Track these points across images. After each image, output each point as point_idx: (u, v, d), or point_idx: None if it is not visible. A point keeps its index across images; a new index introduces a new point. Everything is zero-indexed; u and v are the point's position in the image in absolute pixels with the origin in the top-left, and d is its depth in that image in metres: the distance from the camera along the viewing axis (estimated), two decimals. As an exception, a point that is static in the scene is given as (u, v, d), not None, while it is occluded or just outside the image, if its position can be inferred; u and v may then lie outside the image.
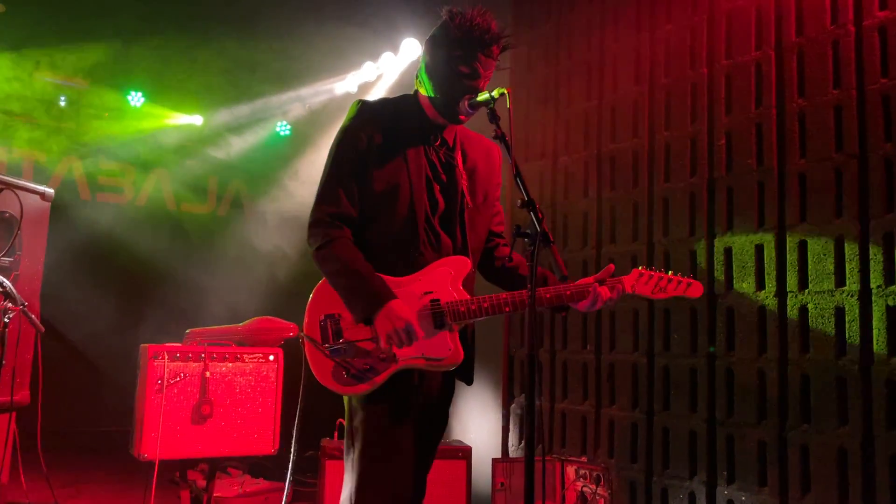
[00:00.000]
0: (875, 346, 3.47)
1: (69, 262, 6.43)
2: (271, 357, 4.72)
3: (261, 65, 6.92)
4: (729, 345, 4.06)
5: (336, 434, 4.31)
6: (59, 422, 5.43)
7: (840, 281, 3.62)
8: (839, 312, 3.60)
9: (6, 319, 3.58)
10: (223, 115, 7.59)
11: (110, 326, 6.69)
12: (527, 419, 4.59)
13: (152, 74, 7.10)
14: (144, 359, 4.34)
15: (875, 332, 3.47)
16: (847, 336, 3.56)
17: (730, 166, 4.16)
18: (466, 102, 2.42)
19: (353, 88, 7.06)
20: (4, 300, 3.63)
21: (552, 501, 4.15)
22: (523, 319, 5.16)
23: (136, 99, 7.26)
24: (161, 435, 4.22)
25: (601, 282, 2.47)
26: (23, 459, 4.25)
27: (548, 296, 2.44)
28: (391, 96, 2.66)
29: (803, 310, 3.74)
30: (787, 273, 3.82)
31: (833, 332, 3.60)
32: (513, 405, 5.33)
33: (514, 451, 5.24)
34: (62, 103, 7.04)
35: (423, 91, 2.54)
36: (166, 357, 4.32)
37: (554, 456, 4.35)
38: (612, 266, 2.52)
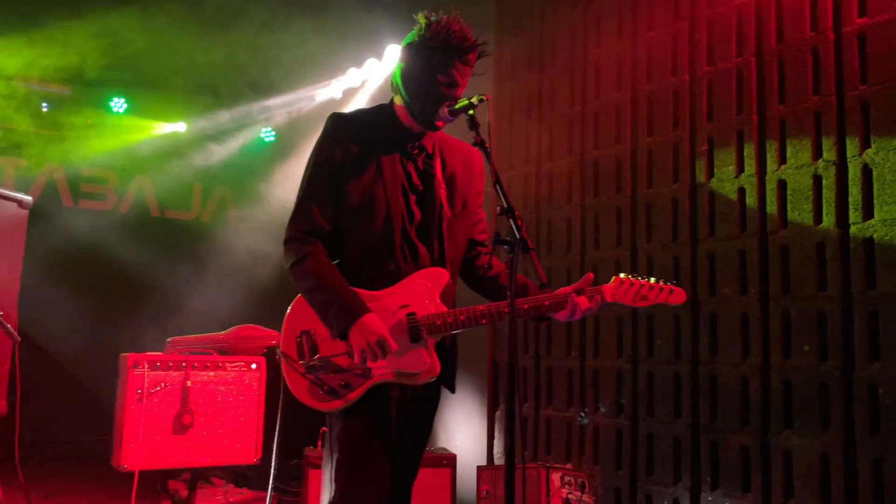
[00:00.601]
0: (856, 352, 3.48)
1: (49, 269, 6.37)
2: (253, 365, 4.69)
3: (244, 70, 6.88)
4: (712, 350, 4.07)
5: (319, 443, 4.27)
6: (38, 432, 5.38)
7: (822, 286, 3.63)
8: (821, 317, 3.61)
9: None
10: (206, 122, 7.54)
11: (90, 334, 6.62)
12: (507, 427, 4.58)
13: (136, 80, 7.05)
14: (124, 368, 4.30)
15: (856, 337, 3.48)
16: (829, 341, 3.57)
17: (712, 172, 4.18)
18: (446, 109, 2.40)
19: (338, 94, 7.05)
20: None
21: (537, 509, 4.13)
22: (509, 327, 5.15)
23: (118, 105, 7.22)
24: (142, 445, 4.17)
25: (579, 291, 2.43)
26: (0, 471, 4.19)
27: (525, 306, 2.41)
28: (367, 107, 2.64)
29: (786, 315, 3.75)
30: (770, 278, 3.84)
31: (815, 337, 3.61)
32: (497, 412, 5.32)
33: (498, 458, 5.22)
34: (44, 108, 6.98)
35: (398, 99, 2.52)
36: (146, 366, 4.28)
37: (539, 463, 4.33)
38: (591, 275, 2.49)
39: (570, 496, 4.05)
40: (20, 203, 4.40)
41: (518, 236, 2.16)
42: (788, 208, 3.81)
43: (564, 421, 4.80)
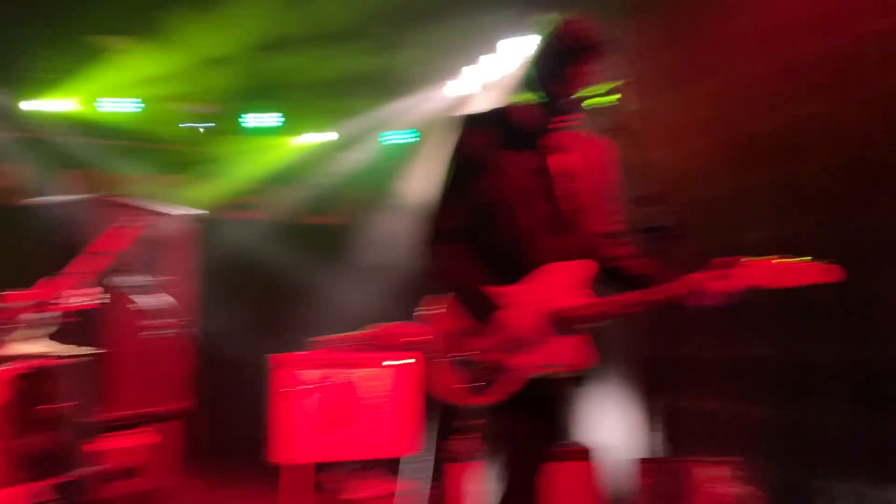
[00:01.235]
0: None
1: (212, 277, 6.83)
2: (405, 361, 4.81)
3: (376, 76, 7.09)
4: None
5: (459, 437, 4.30)
6: (213, 429, 5.79)
7: None
8: None
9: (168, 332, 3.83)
10: (348, 129, 7.85)
11: (250, 336, 7.01)
12: (665, 420, 4.43)
13: (286, 96, 7.45)
14: (275, 368, 4.54)
15: None
16: None
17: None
18: (578, 104, 2.44)
19: (474, 89, 7.06)
20: (165, 317, 3.90)
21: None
22: (666, 317, 4.99)
23: (269, 120, 7.65)
24: (296, 439, 4.39)
25: (717, 274, 2.32)
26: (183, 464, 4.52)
27: (661, 296, 2.35)
28: (498, 105, 2.70)
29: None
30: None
31: None
32: (652, 405, 5.16)
33: (652, 452, 5.07)
34: (200, 129, 7.56)
35: (528, 95, 2.57)
36: (296, 366, 4.49)
37: (696, 457, 4.18)
38: (727, 259, 2.36)
39: (730, 491, 3.89)
40: (193, 218, 4.76)
41: (659, 224, 2.13)
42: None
43: (723, 414, 4.59)
